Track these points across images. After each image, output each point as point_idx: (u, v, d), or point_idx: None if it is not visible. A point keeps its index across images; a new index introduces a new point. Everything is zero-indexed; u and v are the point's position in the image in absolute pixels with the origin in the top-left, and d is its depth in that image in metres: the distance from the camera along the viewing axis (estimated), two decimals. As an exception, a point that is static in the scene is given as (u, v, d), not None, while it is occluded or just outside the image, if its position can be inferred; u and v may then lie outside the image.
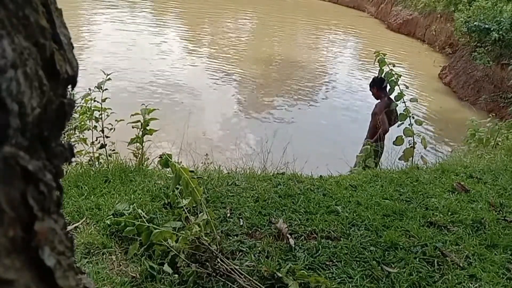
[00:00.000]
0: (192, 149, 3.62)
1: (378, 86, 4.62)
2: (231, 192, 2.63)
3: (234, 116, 7.56)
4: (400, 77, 4.11)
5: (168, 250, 1.85)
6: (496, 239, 2.30)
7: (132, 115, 3.19)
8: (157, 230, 1.87)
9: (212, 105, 7.69)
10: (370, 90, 4.75)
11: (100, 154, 3.34)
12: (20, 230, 0.33)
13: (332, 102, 8.99)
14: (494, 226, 2.45)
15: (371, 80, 4.77)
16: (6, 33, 0.33)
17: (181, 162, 3.04)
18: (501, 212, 2.66)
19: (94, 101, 3.29)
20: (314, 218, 2.37)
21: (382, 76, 4.24)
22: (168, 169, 2.11)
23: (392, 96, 4.19)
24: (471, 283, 1.93)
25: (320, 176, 3.18)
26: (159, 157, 2.04)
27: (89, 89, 3.30)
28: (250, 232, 2.21)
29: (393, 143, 3.95)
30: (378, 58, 4.03)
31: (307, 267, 1.93)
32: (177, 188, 2.33)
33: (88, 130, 3.35)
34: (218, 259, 1.81)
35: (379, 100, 4.70)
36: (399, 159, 3.80)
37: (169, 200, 2.39)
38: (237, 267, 1.80)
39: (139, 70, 8.67)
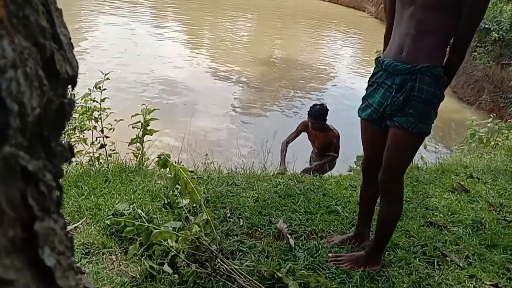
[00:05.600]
0: (193, 149, 3.62)
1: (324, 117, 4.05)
2: (231, 192, 2.63)
3: (234, 116, 7.55)
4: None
5: (168, 250, 1.85)
6: (496, 239, 2.30)
7: (133, 115, 3.19)
8: (157, 230, 1.87)
9: (212, 105, 7.69)
10: (317, 120, 4.01)
11: (100, 154, 3.34)
12: (20, 230, 0.33)
13: (332, 102, 8.99)
14: (494, 226, 2.45)
15: (319, 109, 3.99)
16: (6, 33, 0.33)
17: (181, 162, 3.05)
18: (501, 212, 2.66)
19: (94, 101, 3.29)
20: (314, 218, 2.38)
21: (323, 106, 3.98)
22: (167, 169, 2.11)
23: None
24: (471, 283, 1.93)
25: (320, 176, 3.18)
26: (157, 158, 2.04)
27: (89, 89, 3.30)
28: (250, 232, 2.21)
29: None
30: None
31: (307, 267, 1.93)
32: (177, 188, 2.33)
33: (88, 130, 3.35)
34: (218, 259, 1.81)
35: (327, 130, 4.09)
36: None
37: (169, 200, 2.39)
38: (237, 267, 1.80)
39: (139, 70, 8.67)
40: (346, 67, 11.86)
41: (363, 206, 2.14)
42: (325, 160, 4.17)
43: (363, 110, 1.92)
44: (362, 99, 1.93)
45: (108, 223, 2.11)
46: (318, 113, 4.01)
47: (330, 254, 2.04)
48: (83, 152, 3.33)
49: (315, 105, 4.13)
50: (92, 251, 1.94)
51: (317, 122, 4.04)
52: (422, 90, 1.70)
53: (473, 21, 1.65)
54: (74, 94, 0.44)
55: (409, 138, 1.78)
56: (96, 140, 3.34)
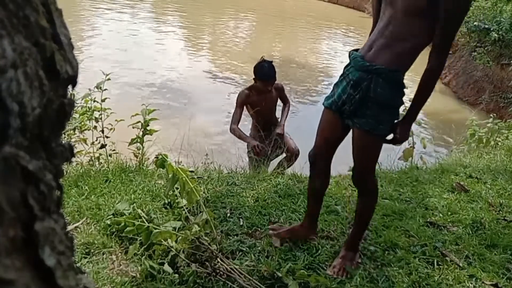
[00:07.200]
0: (193, 149, 3.62)
1: None
2: (231, 192, 2.63)
3: (234, 116, 7.54)
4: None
5: (168, 250, 1.85)
6: (496, 239, 2.30)
7: (133, 115, 3.19)
8: (157, 230, 1.87)
9: (212, 105, 7.68)
10: (274, 78, 3.48)
11: (100, 154, 3.34)
12: (20, 230, 0.33)
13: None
14: (494, 226, 2.45)
15: (270, 66, 3.43)
16: (6, 33, 0.33)
17: (181, 162, 3.04)
18: (500, 212, 2.66)
19: (94, 101, 3.30)
20: (314, 218, 2.37)
21: None
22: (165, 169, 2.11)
23: None
24: (471, 283, 1.93)
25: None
26: (155, 158, 2.04)
27: (89, 89, 3.30)
28: (250, 232, 2.21)
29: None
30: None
31: (307, 266, 1.94)
32: (177, 188, 2.32)
33: (88, 130, 3.35)
34: (218, 259, 1.81)
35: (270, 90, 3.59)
36: (398, 159, 3.80)
37: (169, 200, 2.39)
38: (237, 266, 1.80)
39: (140, 71, 8.67)
40: (346, 67, 11.83)
41: (310, 199, 2.12)
42: (286, 114, 3.77)
43: (327, 98, 1.91)
44: (332, 88, 1.93)
45: (109, 223, 2.11)
46: (272, 70, 3.43)
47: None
48: (84, 152, 3.33)
49: (260, 64, 3.44)
50: (92, 251, 1.95)
51: (273, 82, 3.49)
52: (376, 92, 1.70)
53: (448, 28, 1.59)
54: (74, 94, 0.44)
55: (370, 140, 1.79)
56: (96, 140, 3.34)
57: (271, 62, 3.48)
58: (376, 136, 1.77)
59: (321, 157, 1.98)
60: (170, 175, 1.93)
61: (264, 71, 3.43)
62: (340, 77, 1.89)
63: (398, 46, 1.67)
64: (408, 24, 1.64)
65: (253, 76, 3.53)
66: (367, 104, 1.72)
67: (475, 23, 10.25)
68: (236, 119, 3.70)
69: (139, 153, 3.20)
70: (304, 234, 2.15)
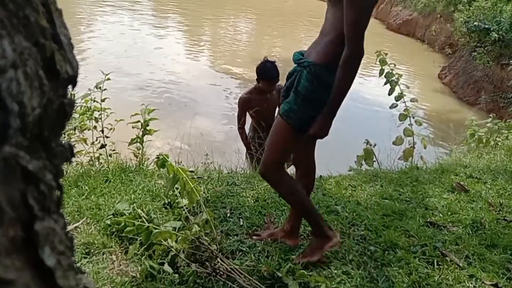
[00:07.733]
0: (193, 149, 3.62)
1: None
2: (231, 192, 2.63)
3: (234, 116, 7.54)
4: (401, 77, 4.10)
5: (168, 250, 1.85)
6: (496, 239, 2.30)
7: (132, 115, 3.19)
8: (157, 230, 1.87)
9: (212, 105, 7.69)
10: (276, 80, 3.43)
11: (100, 154, 3.35)
12: (20, 230, 0.33)
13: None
14: (494, 226, 2.45)
15: (271, 67, 3.37)
16: (6, 33, 0.33)
17: (181, 162, 3.04)
18: (500, 212, 2.66)
19: (94, 101, 3.30)
20: (314, 218, 2.37)
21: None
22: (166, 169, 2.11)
23: (393, 96, 4.11)
24: (471, 283, 1.93)
25: (320, 176, 3.17)
26: (156, 158, 2.04)
27: (89, 89, 3.30)
28: (250, 231, 2.21)
29: (393, 143, 3.95)
30: (379, 57, 4.01)
31: (307, 266, 1.93)
32: (177, 188, 2.33)
33: (88, 130, 3.36)
34: (218, 259, 1.81)
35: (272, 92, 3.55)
36: (398, 159, 3.80)
37: (169, 200, 2.39)
38: (237, 266, 1.80)
39: (140, 71, 8.67)
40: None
41: None
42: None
43: None
44: None
45: (109, 223, 2.11)
46: (276, 70, 3.37)
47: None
48: (83, 152, 3.33)
49: (263, 64, 3.38)
50: (92, 251, 1.95)
51: (277, 82, 3.43)
52: (299, 83, 1.74)
53: (348, 19, 1.58)
54: (74, 94, 0.44)
55: (280, 124, 1.81)
56: (96, 140, 3.34)
57: (274, 62, 3.46)
58: (285, 122, 1.77)
59: (296, 158, 2.01)
60: (170, 175, 1.93)
61: (267, 71, 3.39)
62: None
63: (323, 41, 1.73)
64: (332, 16, 1.69)
65: (255, 76, 3.52)
66: (290, 94, 1.78)
67: (475, 23, 10.25)
68: (241, 121, 3.81)
69: (139, 153, 3.20)
70: (283, 235, 2.09)
